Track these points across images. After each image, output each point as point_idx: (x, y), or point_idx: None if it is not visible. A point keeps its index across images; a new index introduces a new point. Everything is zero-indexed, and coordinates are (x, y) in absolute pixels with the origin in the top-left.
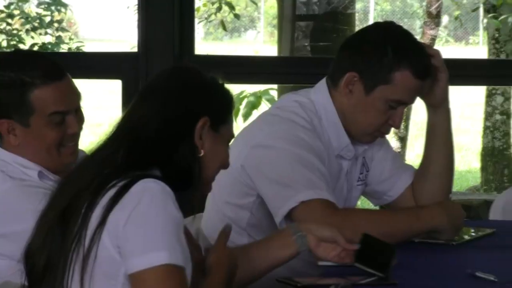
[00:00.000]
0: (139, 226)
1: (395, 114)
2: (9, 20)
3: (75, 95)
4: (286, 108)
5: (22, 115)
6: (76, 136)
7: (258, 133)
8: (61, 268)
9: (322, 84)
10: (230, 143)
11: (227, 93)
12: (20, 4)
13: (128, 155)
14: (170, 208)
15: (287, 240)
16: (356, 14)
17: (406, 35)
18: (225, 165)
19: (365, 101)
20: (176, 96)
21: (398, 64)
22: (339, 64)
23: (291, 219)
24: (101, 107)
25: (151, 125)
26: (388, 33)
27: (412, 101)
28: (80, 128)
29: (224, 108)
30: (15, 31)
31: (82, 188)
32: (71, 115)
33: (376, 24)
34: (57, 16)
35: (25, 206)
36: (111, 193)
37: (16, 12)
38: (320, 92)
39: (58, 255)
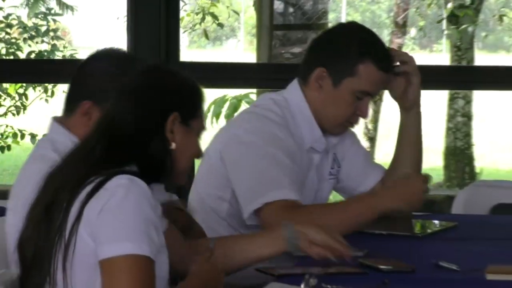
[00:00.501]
0: (111, 217)
1: (362, 105)
2: (8, 30)
3: None
4: (262, 106)
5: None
6: None
7: (236, 129)
8: (46, 258)
9: (294, 83)
10: (201, 135)
11: (196, 89)
12: (18, 15)
13: (105, 152)
14: (141, 203)
15: (277, 238)
16: (329, 24)
17: (368, 32)
18: (197, 155)
19: (334, 93)
20: (147, 94)
21: (362, 57)
22: (308, 63)
23: (257, 216)
24: None
25: (125, 122)
26: (352, 30)
27: (376, 92)
28: None
29: (194, 103)
30: (13, 40)
31: (63, 184)
32: None
33: (340, 24)
34: (52, 26)
35: None
36: (88, 189)
37: (14, 22)
38: (292, 90)
39: (44, 247)
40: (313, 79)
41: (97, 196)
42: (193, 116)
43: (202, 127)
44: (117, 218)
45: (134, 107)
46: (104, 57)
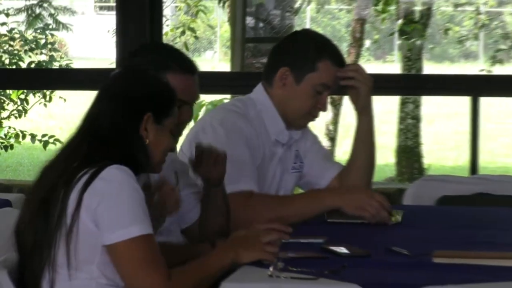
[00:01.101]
0: (112, 204)
1: (322, 98)
2: (11, 42)
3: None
4: (230, 103)
5: None
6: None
7: (203, 122)
8: (47, 244)
9: (259, 86)
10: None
11: (168, 91)
12: (20, 29)
13: (89, 148)
14: (133, 186)
15: (223, 258)
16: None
17: (321, 35)
18: (169, 149)
19: (297, 89)
20: (123, 96)
21: (320, 55)
22: (271, 66)
23: None
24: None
25: (104, 122)
26: (308, 34)
27: (334, 85)
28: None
29: (166, 105)
30: (16, 51)
31: (58, 177)
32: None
33: (296, 31)
34: (50, 39)
35: None
36: (84, 179)
37: (17, 35)
38: (257, 91)
39: (44, 236)
40: (277, 78)
41: (93, 185)
42: (165, 116)
43: (174, 125)
44: (118, 205)
45: (113, 108)
46: None
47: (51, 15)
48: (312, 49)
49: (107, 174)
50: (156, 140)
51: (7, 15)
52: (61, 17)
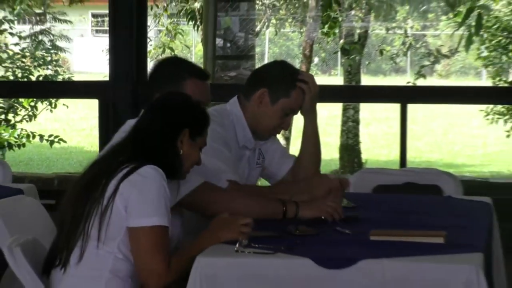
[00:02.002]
0: (142, 197)
1: (287, 120)
2: (23, 60)
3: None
4: (209, 112)
5: None
6: None
7: None
8: (84, 219)
9: (234, 99)
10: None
11: (204, 114)
12: (30, 48)
13: (134, 150)
14: (162, 185)
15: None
16: (256, 55)
17: (297, 69)
18: (197, 163)
19: (270, 109)
20: (167, 113)
21: (294, 86)
22: (252, 84)
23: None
24: (85, 117)
25: (150, 130)
26: (288, 66)
27: (298, 110)
28: None
29: (201, 125)
30: (26, 67)
31: (102, 169)
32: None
33: (276, 61)
34: (55, 57)
35: None
36: (124, 171)
37: (27, 54)
38: (233, 104)
39: (83, 211)
40: (256, 96)
41: (130, 178)
42: (199, 134)
43: (204, 143)
44: (146, 197)
45: (159, 120)
46: None
47: (50, 40)
48: (289, 79)
49: (144, 171)
50: (188, 153)
51: (20, 37)
52: (59, 42)
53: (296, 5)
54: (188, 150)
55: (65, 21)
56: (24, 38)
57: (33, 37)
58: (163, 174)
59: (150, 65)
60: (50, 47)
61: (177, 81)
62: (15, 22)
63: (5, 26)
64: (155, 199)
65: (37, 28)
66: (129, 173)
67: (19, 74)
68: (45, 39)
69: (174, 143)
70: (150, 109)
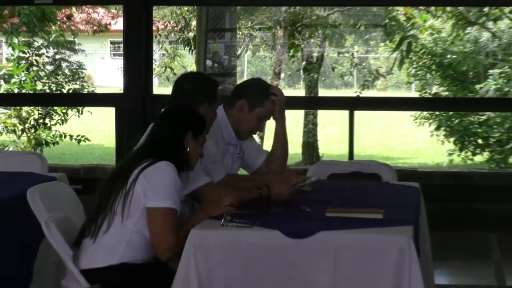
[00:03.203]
0: (158, 184)
1: (261, 125)
2: (57, 76)
3: None
4: None
5: None
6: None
7: None
8: (113, 199)
9: (221, 107)
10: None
11: (201, 118)
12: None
13: (152, 151)
14: (174, 175)
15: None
16: (237, 73)
17: (269, 84)
18: (201, 156)
19: (248, 115)
20: (176, 121)
21: (267, 97)
22: (235, 96)
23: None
24: (104, 121)
25: (163, 135)
26: (262, 82)
27: (270, 116)
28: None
29: (201, 127)
30: (59, 82)
31: (127, 165)
32: None
33: (254, 78)
34: (81, 75)
35: None
36: (143, 165)
37: (59, 72)
38: (220, 111)
39: (112, 194)
40: (238, 105)
41: (148, 170)
42: (200, 134)
43: (204, 141)
44: (161, 184)
45: (169, 127)
46: None
47: (67, 67)
48: (263, 92)
49: (159, 165)
50: (193, 149)
51: (54, 60)
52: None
53: (268, 34)
54: (193, 147)
55: (81, 51)
56: (57, 60)
57: (54, 64)
58: (175, 168)
59: (155, 80)
60: (77, 67)
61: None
62: (50, 47)
63: (43, 50)
64: (168, 187)
65: (67, 52)
66: (147, 166)
67: (54, 87)
68: (65, 64)
69: (181, 143)
70: (162, 118)
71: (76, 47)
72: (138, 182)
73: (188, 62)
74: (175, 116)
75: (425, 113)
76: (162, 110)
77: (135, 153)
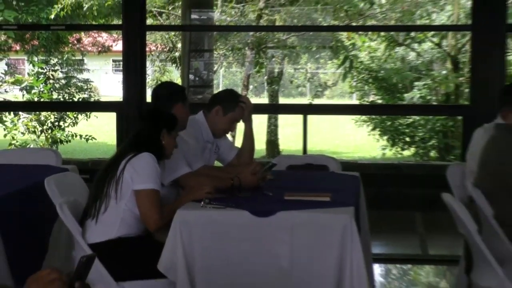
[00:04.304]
0: (142, 171)
1: (233, 126)
2: (69, 88)
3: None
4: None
5: None
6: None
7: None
8: (107, 185)
9: (200, 113)
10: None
11: (173, 116)
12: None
13: (135, 145)
14: (154, 163)
15: (185, 198)
16: (214, 85)
17: (236, 91)
18: (175, 147)
19: (223, 119)
20: (152, 121)
21: (238, 103)
22: (212, 103)
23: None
24: (107, 123)
25: (143, 132)
26: (233, 91)
27: (240, 119)
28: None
29: (173, 125)
30: (71, 92)
31: (117, 157)
32: None
33: (227, 89)
34: (89, 86)
35: None
36: (129, 156)
37: (71, 84)
38: (199, 115)
39: (107, 180)
40: (214, 111)
41: (133, 160)
42: (172, 130)
43: (177, 134)
44: (144, 171)
45: (147, 126)
46: None
47: (74, 83)
48: (234, 100)
49: (142, 156)
50: (168, 143)
51: (67, 75)
52: (91, 76)
53: (238, 54)
54: (167, 141)
55: (87, 69)
56: (69, 75)
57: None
58: (154, 157)
59: (148, 91)
60: (86, 80)
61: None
62: (64, 65)
63: (57, 67)
64: (150, 172)
65: (77, 67)
66: (132, 157)
67: (66, 97)
68: (80, 77)
69: (158, 139)
70: (141, 119)
71: (82, 68)
72: (126, 170)
73: (174, 76)
74: (151, 117)
75: (363, 117)
76: (140, 112)
77: (122, 149)
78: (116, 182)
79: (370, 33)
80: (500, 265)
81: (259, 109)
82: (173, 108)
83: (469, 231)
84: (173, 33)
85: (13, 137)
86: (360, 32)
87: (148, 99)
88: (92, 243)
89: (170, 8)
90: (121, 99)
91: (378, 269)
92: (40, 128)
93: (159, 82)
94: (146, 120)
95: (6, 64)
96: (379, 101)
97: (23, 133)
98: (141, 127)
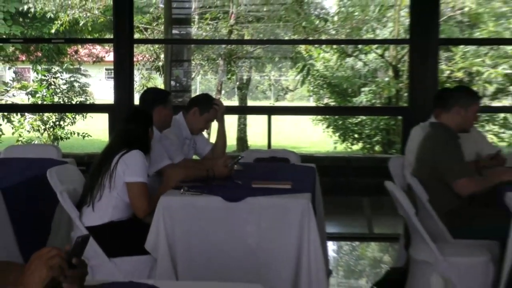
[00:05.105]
0: (132, 165)
1: (208, 125)
2: (68, 92)
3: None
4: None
5: None
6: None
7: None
8: (102, 176)
9: (180, 113)
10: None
11: (152, 118)
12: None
13: (126, 142)
14: (144, 160)
15: (166, 186)
16: (192, 90)
17: (212, 97)
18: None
19: (199, 118)
20: (141, 120)
21: (212, 105)
22: (190, 105)
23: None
24: (101, 122)
25: (133, 130)
26: (208, 95)
27: (214, 119)
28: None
29: (152, 124)
30: (70, 96)
31: (109, 152)
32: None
33: (203, 93)
34: (87, 91)
35: None
36: (122, 152)
37: (70, 89)
38: (179, 115)
39: (102, 172)
40: (191, 112)
41: (125, 155)
42: (151, 126)
43: (153, 132)
44: (135, 166)
45: (136, 125)
46: None
47: (74, 88)
48: (209, 102)
49: (133, 153)
50: (151, 137)
51: (66, 81)
52: (87, 80)
53: (213, 63)
54: (150, 135)
55: (87, 75)
56: (69, 81)
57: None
58: (143, 154)
59: (136, 95)
60: (82, 85)
61: None
62: (64, 73)
63: (58, 74)
64: (139, 168)
65: (75, 75)
66: (124, 153)
67: (66, 100)
68: (76, 84)
69: (146, 136)
70: (127, 120)
71: (85, 73)
72: (119, 164)
73: (158, 83)
74: (140, 119)
75: (319, 117)
76: (126, 114)
77: (113, 145)
78: (110, 174)
79: (324, 45)
80: (434, 242)
81: (230, 110)
82: (154, 110)
83: (408, 213)
84: (157, 45)
85: (20, 135)
86: (316, 45)
87: (136, 102)
88: (88, 226)
89: (154, 24)
90: (113, 102)
91: (331, 246)
92: (43, 127)
93: (145, 87)
94: (135, 122)
95: (14, 72)
96: (332, 103)
97: (28, 131)
98: (131, 127)
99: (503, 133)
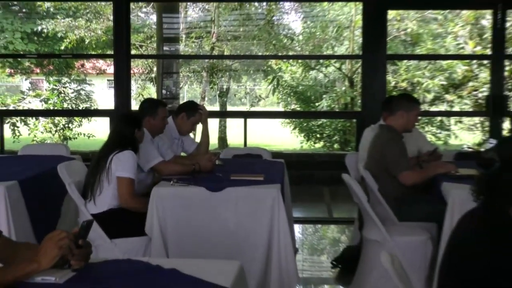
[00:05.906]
0: (124, 163)
1: (194, 127)
2: (76, 100)
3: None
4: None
5: None
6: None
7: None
8: (101, 172)
9: (170, 118)
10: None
11: (140, 120)
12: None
13: (119, 143)
14: (134, 159)
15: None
16: (180, 97)
17: (197, 103)
18: (140, 143)
19: (186, 122)
20: (130, 122)
21: (197, 111)
22: (179, 111)
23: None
24: (104, 125)
25: (123, 131)
26: (193, 102)
27: (199, 122)
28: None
29: (141, 126)
30: (77, 103)
31: (105, 151)
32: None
33: (190, 100)
34: (91, 98)
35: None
36: (115, 152)
37: (77, 96)
38: (170, 119)
39: (99, 169)
40: (180, 116)
41: (118, 154)
42: (140, 128)
43: (143, 133)
44: (126, 163)
45: (125, 126)
46: None
47: (80, 96)
48: (195, 107)
49: (125, 152)
50: (139, 136)
51: (74, 90)
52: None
53: (198, 75)
54: (140, 137)
55: (92, 84)
56: (76, 90)
57: (79, 90)
58: (133, 153)
59: (133, 103)
60: (88, 94)
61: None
62: (72, 83)
63: (67, 84)
64: (129, 165)
65: (81, 85)
66: (118, 152)
67: (73, 106)
68: (86, 89)
69: (134, 136)
70: (118, 122)
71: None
72: (113, 162)
73: (152, 91)
74: (128, 121)
75: (287, 120)
76: (118, 117)
77: (107, 144)
78: (106, 171)
79: (291, 60)
80: (383, 224)
81: (213, 114)
82: (144, 119)
83: (361, 200)
84: (150, 60)
85: (35, 135)
86: (284, 60)
87: (132, 108)
88: (91, 213)
89: (148, 42)
90: (113, 108)
91: (297, 228)
92: (54, 129)
93: (140, 96)
94: (123, 124)
95: (30, 82)
96: (298, 109)
97: (42, 132)
98: (119, 129)
99: (440, 133)
